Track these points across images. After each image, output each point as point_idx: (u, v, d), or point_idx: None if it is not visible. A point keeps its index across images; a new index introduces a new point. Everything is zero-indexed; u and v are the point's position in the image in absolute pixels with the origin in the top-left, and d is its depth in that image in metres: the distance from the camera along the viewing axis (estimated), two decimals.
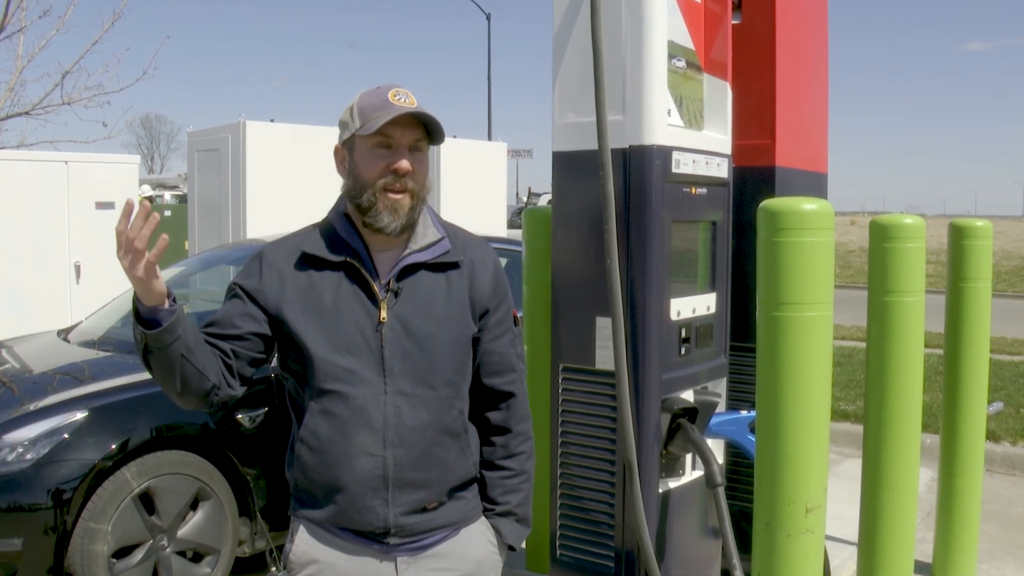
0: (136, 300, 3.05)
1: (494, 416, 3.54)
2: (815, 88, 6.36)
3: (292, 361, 3.35)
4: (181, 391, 3.22)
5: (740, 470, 5.90)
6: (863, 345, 7.23)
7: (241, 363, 3.34)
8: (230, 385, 3.32)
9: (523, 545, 3.63)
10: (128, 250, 2.92)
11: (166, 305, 3.06)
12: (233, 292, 3.38)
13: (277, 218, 14.61)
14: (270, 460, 6.82)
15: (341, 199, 3.43)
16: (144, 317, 3.07)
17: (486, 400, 3.53)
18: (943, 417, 6.79)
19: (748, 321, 5.57)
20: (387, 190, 3.26)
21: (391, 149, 3.27)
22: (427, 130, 3.33)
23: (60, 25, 17.92)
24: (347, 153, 3.37)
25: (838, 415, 11.50)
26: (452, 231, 3.50)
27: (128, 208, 2.92)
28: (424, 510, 3.32)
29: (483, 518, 3.52)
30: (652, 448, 4.99)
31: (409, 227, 3.33)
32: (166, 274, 9.82)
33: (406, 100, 3.28)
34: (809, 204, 4.55)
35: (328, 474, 3.27)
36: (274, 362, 3.48)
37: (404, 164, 3.26)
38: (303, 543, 3.38)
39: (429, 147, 3.40)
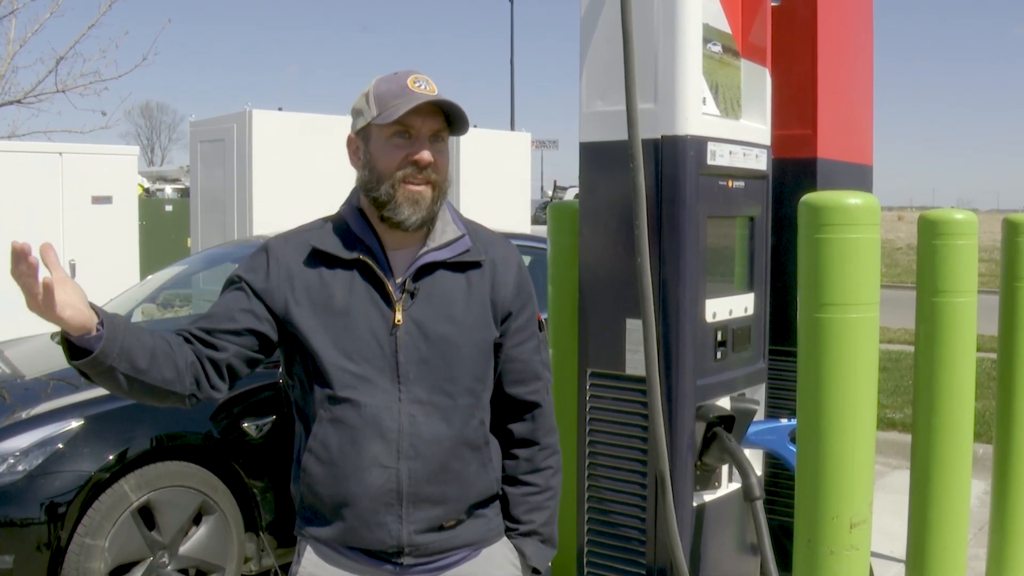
0: (62, 332, 2.94)
1: (518, 428, 3.51)
2: (859, 74, 6.35)
3: (299, 366, 3.33)
4: (139, 400, 3.22)
5: (780, 482, 5.90)
6: (911, 349, 7.20)
7: (234, 360, 3.27)
8: (213, 387, 3.24)
9: (548, 566, 3.60)
10: (26, 289, 2.79)
11: (94, 331, 2.94)
12: (236, 285, 3.33)
13: (285, 213, 14.58)
14: (278, 472, 6.81)
15: (354, 193, 3.41)
16: (75, 345, 2.95)
17: (509, 410, 3.50)
18: (996, 426, 6.77)
19: (788, 323, 5.55)
20: (406, 182, 3.23)
21: (410, 139, 3.24)
22: (448, 119, 3.31)
23: (54, 8, 18.06)
24: (362, 143, 3.34)
25: (884, 423, 11.48)
26: (472, 228, 3.47)
27: (15, 248, 2.74)
28: (441, 528, 3.30)
29: (505, 538, 3.49)
30: (686, 459, 4.98)
31: (429, 221, 3.30)
32: (167, 273, 9.85)
33: (426, 87, 3.25)
34: (853, 198, 4.54)
35: (337, 488, 3.25)
36: (280, 367, 3.47)
37: (426, 155, 3.23)
38: (310, 564, 3.37)
39: (449, 138, 3.39)
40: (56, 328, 3.03)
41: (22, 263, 2.74)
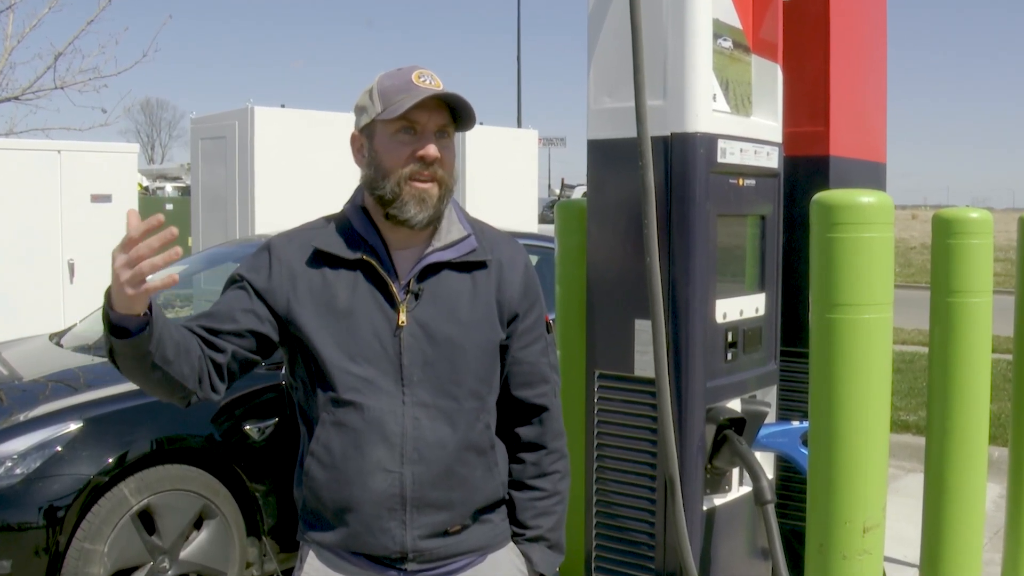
0: (108, 301, 2.90)
1: (525, 432, 3.51)
2: (873, 70, 6.34)
3: (301, 368, 3.33)
4: (150, 392, 3.20)
5: (791, 486, 5.88)
6: (925, 350, 7.20)
7: (233, 362, 3.28)
8: (214, 388, 3.24)
9: (556, 572, 3.60)
10: (131, 265, 2.76)
11: (141, 314, 2.92)
12: (238, 284, 3.33)
13: (288, 212, 14.56)
14: (281, 475, 6.81)
15: (358, 191, 3.41)
16: (114, 322, 2.93)
17: (516, 414, 3.50)
18: (1012, 428, 6.76)
19: (800, 324, 5.56)
20: (413, 179, 3.23)
21: (416, 135, 3.24)
22: (454, 115, 3.31)
23: (53, 3, 18.06)
24: (366, 140, 3.34)
25: (898, 426, 11.47)
26: (478, 227, 3.47)
27: (155, 223, 2.77)
28: (446, 534, 3.30)
29: (511, 543, 3.49)
30: (696, 462, 4.98)
31: (436, 220, 3.30)
32: (167, 272, 9.84)
33: (431, 82, 3.25)
34: (866, 197, 4.54)
35: (340, 492, 3.25)
36: (285, 368, 3.46)
37: (432, 151, 3.23)
38: (313, 570, 3.37)
39: (455, 133, 3.38)
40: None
41: (145, 239, 2.75)
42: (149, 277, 2.78)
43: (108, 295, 2.89)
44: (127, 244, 2.75)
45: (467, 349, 3.30)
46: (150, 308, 2.93)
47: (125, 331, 2.93)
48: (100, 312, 2.99)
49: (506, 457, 3.49)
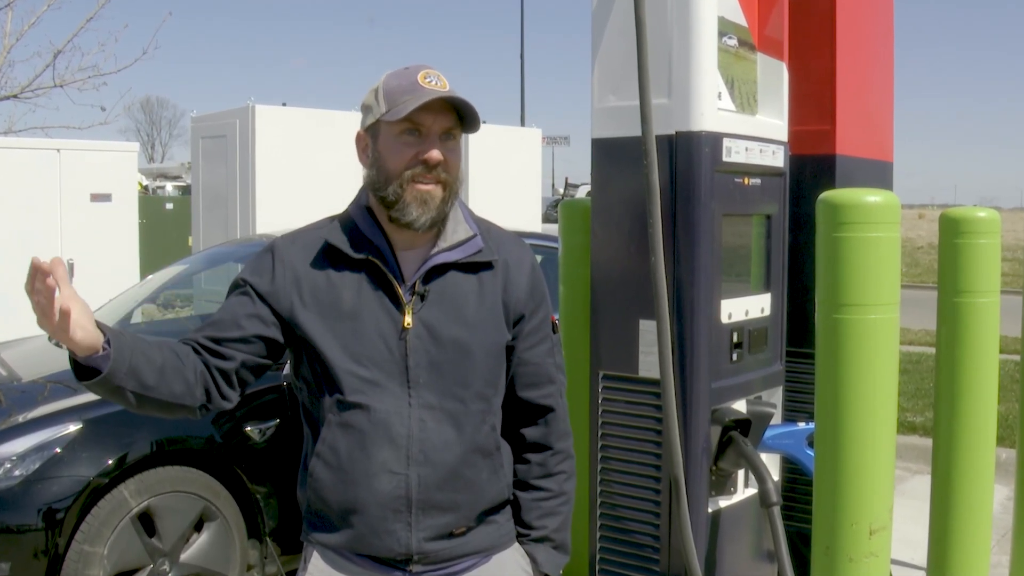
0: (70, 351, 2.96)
1: (531, 432, 3.51)
2: (879, 68, 6.34)
3: (307, 369, 3.33)
4: (148, 414, 3.26)
5: (797, 488, 5.89)
6: (932, 351, 7.20)
7: (243, 370, 3.30)
8: (224, 397, 3.28)
9: (560, 574, 3.60)
10: (40, 309, 2.80)
11: (100, 351, 2.96)
12: (241, 289, 3.33)
13: (290, 212, 14.56)
14: (282, 477, 6.82)
15: (363, 191, 3.39)
16: (82, 364, 2.98)
17: (521, 415, 3.50)
18: (1020, 429, 6.75)
19: (806, 324, 5.56)
20: (415, 181, 3.22)
21: (420, 137, 3.23)
22: (460, 116, 3.30)
23: (52, 0, 18.03)
24: (370, 141, 3.33)
25: (905, 427, 11.47)
26: (485, 227, 3.46)
27: (34, 269, 2.77)
28: (451, 535, 3.30)
29: (516, 544, 3.49)
30: (701, 464, 4.98)
31: (440, 222, 3.30)
32: (167, 272, 9.85)
33: (438, 83, 3.24)
34: (873, 196, 4.54)
35: (345, 494, 3.26)
36: (286, 369, 3.47)
37: (435, 154, 3.22)
38: (317, 570, 3.37)
39: (462, 135, 3.37)
40: None
41: (37, 280, 2.75)
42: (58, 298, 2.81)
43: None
44: (31, 294, 2.81)
45: (473, 351, 3.30)
46: (108, 343, 2.98)
47: (93, 371, 2.98)
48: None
49: (511, 458, 3.49)
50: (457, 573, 3.36)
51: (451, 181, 3.28)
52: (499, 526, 3.43)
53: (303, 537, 3.46)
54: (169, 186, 40.05)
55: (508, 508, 3.48)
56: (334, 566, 3.35)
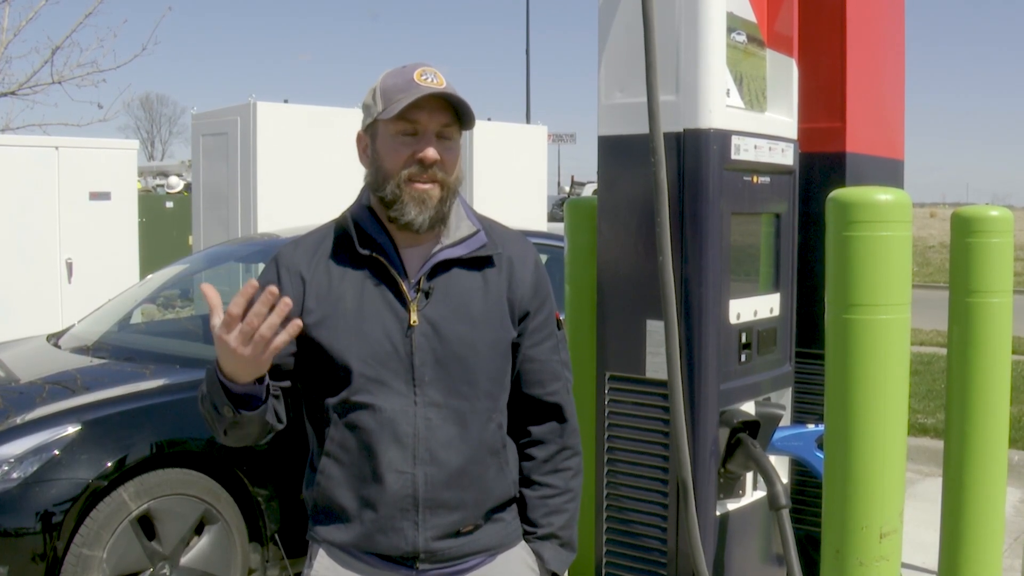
0: (220, 374, 3.01)
1: (537, 429, 3.52)
2: (890, 65, 6.34)
3: (311, 369, 3.35)
4: (237, 443, 3.30)
5: (807, 490, 5.89)
6: (944, 351, 7.21)
7: (288, 385, 3.38)
8: (280, 420, 3.34)
9: (566, 573, 3.61)
10: (248, 339, 2.87)
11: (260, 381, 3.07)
12: None
13: (291, 210, 14.62)
14: (284, 479, 6.81)
15: (364, 191, 3.41)
16: (239, 395, 3.04)
17: (528, 412, 3.51)
18: None
19: (816, 325, 5.56)
20: (412, 181, 3.23)
21: (416, 136, 3.24)
22: (457, 114, 3.30)
23: None
24: (369, 140, 3.34)
25: (916, 429, 11.45)
26: (487, 224, 3.47)
27: (249, 291, 2.87)
28: (458, 534, 3.32)
29: (523, 542, 3.50)
30: (709, 466, 4.99)
31: (438, 221, 3.30)
32: (168, 272, 9.86)
33: (433, 80, 3.24)
34: (884, 194, 4.54)
35: (355, 492, 3.28)
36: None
37: (430, 153, 3.22)
38: (323, 568, 3.38)
39: (460, 133, 3.38)
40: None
41: (262, 303, 2.86)
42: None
43: (216, 372, 3.02)
44: (230, 323, 2.86)
45: (479, 348, 3.31)
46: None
47: (249, 400, 3.07)
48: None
49: (516, 455, 3.51)
50: (464, 571, 3.38)
51: (448, 180, 3.29)
52: (506, 524, 3.45)
53: (309, 535, 3.48)
54: (174, 178, 39.98)
55: (515, 506, 3.50)
56: (340, 563, 3.37)
